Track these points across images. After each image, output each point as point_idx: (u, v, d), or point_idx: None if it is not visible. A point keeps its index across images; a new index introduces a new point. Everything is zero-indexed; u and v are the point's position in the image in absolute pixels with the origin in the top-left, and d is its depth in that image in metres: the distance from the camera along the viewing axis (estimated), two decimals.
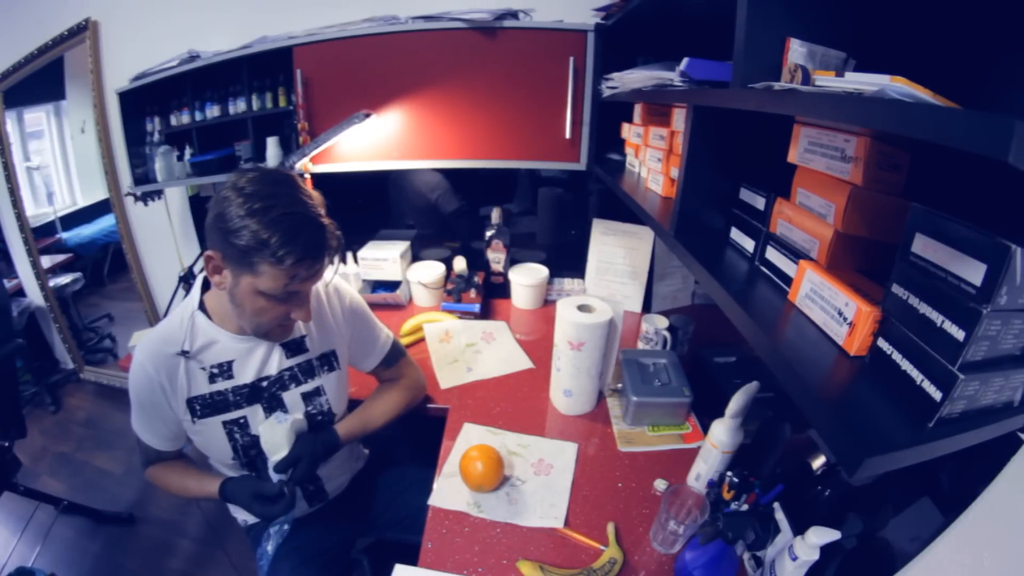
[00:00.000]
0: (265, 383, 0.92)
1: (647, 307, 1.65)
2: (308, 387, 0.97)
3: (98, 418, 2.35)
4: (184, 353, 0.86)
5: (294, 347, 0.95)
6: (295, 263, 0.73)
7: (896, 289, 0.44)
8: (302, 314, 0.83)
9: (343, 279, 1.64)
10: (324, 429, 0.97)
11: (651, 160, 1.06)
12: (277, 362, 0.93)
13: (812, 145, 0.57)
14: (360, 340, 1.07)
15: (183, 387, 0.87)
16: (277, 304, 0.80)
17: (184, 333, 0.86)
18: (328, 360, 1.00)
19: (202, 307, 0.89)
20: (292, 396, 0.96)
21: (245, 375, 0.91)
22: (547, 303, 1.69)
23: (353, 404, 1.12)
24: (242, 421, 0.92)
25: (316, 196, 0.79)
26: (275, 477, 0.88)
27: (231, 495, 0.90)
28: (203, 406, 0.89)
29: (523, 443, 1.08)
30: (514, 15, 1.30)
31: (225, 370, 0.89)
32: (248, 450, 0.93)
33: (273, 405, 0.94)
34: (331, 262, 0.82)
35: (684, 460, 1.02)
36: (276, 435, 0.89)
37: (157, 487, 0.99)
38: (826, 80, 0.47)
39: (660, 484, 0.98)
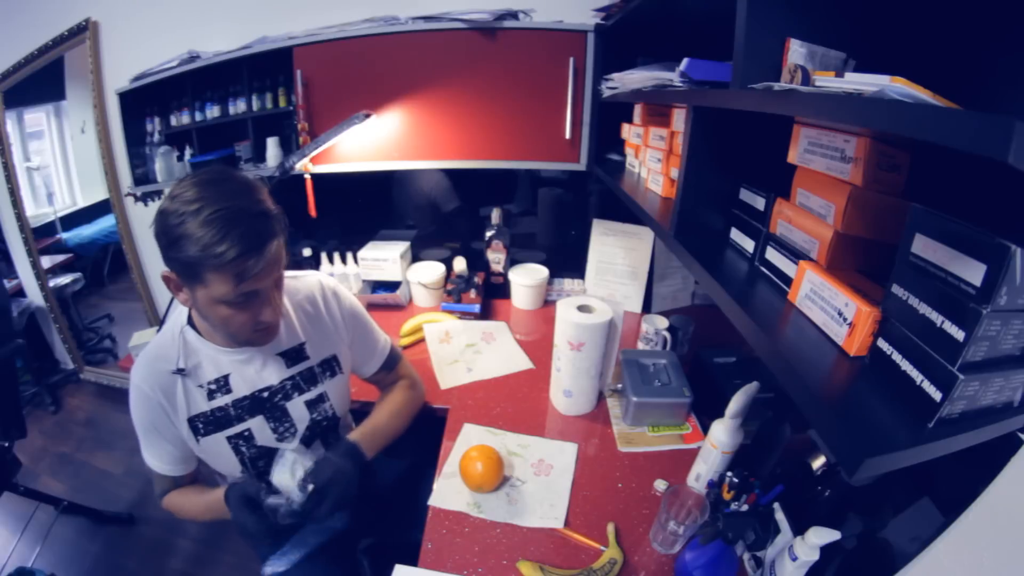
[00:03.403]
0: (266, 394, 0.91)
1: (647, 307, 1.65)
2: (311, 395, 0.96)
3: (98, 418, 2.35)
4: (180, 371, 0.84)
5: (293, 355, 0.94)
6: (236, 260, 0.68)
7: (896, 289, 0.44)
8: (269, 313, 0.78)
9: (342, 280, 1.65)
10: (343, 454, 0.88)
11: (651, 160, 1.06)
12: (277, 372, 0.92)
13: (812, 145, 0.57)
14: (360, 344, 1.05)
15: (183, 407, 0.86)
16: (239, 310, 0.75)
17: (177, 350, 0.85)
18: (330, 365, 0.99)
19: (191, 322, 0.86)
20: (295, 405, 0.94)
21: (244, 387, 0.89)
22: (547, 303, 1.69)
23: (353, 404, 1.12)
24: (246, 434, 0.91)
25: (256, 184, 0.74)
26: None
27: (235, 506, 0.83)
28: (205, 423, 0.88)
29: (523, 443, 1.08)
30: (514, 15, 1.30)
31: (223, 385, 0.88)
32: (256, 462, 0.92)
33: (276, 415, 0.93)
34: (284, 251, 0.76)
35: (684, 460, 1.02)
36: (285, 480, 0.82)
37: (178, 516, 0.94)
38: (826, 80, 0.47)
39: (660, 484, 0.98)
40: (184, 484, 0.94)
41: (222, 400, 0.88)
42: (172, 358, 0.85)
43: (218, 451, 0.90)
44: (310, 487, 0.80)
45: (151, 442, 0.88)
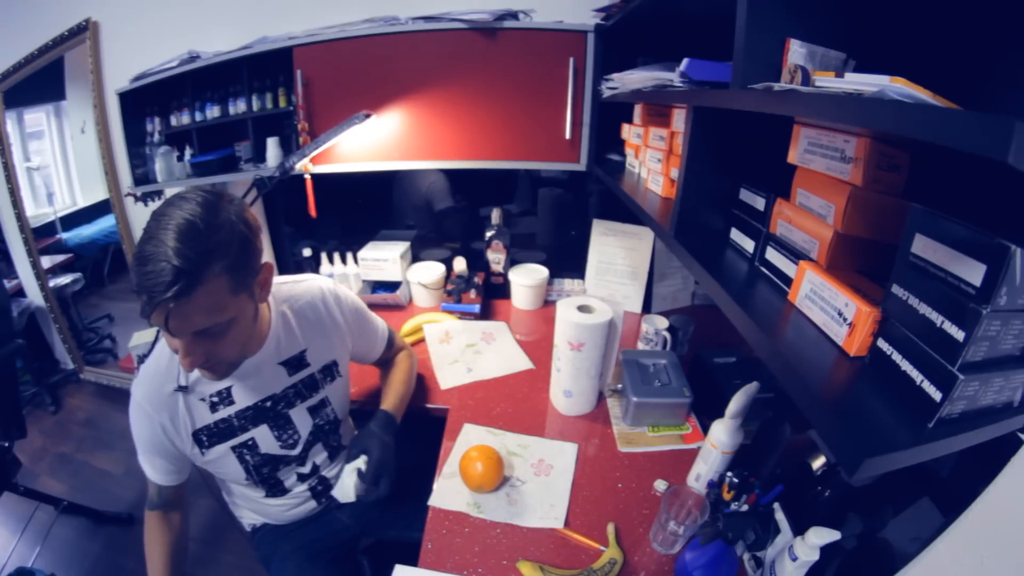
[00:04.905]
0: (269, 403, 0.91)
1: (647, 307, 1.65)
2: (313, 401, 0.97)
3: (98, 418, 2.35)
4: (182, 389, 0.84)
5: (295, 363, 0.94)
6: (145, 300, 0.64)
7: (896, 290, 0.44)
8: (180, 359, 0.72)
9: (342, 280, 1.65)
10: (383, 425, 0.97)
11: (651, 161, 1.06)
12: (279, 381, 0.92)
13: (812, 146, 0.57)
14: (364, 337, 1.08)
15: (186, 422, 0.85)
16: (172, 340, 0.72)
17: (177, 367, 0.84)
18: (330, 371, 1.00)
19: None
20: (298, 412, 0.95)
21: (246, 398, 0.89)
22: (547, 303, 1.69)
23: (353, 404, 1.12)
24: (251, 443, 0.91)
25: (208, 222, 0.67)
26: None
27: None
28: (209, 436, 0.88)
29: (523, 443, 1.08)
30: (514, 16, 1.30)
31: (225, 397, 0.88)
32: (260, 469, 0.93)
33: (280, 423, 0.93)
34: (224, 301, 0.70)
35: (684, 460, 1.02)
36: (347, 487, 0.91)
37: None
38: (826, 81, 0.47)
39: (660, 484, 0.98)
40: (169, 497, 0.92)
41: (225, 412, 0.88)
42: (172, 374, 0.84)
43: (223, 460, 0.91)
44: (362, 464, 0.91)
45: (145, 454, 0.89)
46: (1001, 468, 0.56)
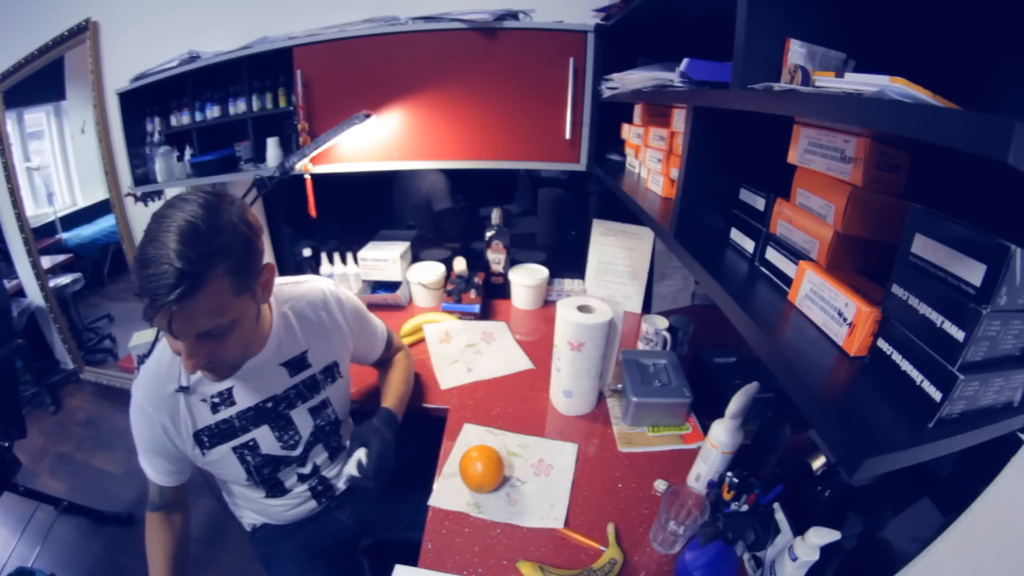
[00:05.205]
0: (270, 404, 0.91)
1: (647, 307, 1.65)
2: (314, 402, 0.97)
3: (98, 418, 2.35)
4: (183, 389, 0.84)
5: (296, 364, 0.94)
6: (147, 303, 0.64)
7: (896, 290, 0.44)
8: (183, 361, 0.72)
9: (342, 280, 1.65)
10: (385, 422, 0.97)
11: (651, 161, 1.06)
12: (280, 382, 0.92)
13: (812, 146, 0.57)
14: (365, 338, 1.08)
15: (187, 423, 0.85)
16: (175, 342, 0.72)
17: (178, 367, 0.83)
18: (331, 372, 1.00)
19: None
20: (299, 413, 0.95)
21: (248, 399, 0.89)
22: (547, 303, 1.69)
23: (353, 405, 1.12)
24: (252, 444, 0.91)
25: (209, 224, 0.66)
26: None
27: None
28: (211, 436, 0.88)
29: (523, 444, 1.08)
30: (514, 16, 1.30)
31: (227, 398, 0.88)
32: (261, 470, 0.93)
33: (281, 424, 0.93)
34: (227, 302, 0.70)
35: (684, 460, 1.02)
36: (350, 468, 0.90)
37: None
38: (826, 81, 0.47)
39: (660, 485, 0.98)
40: (170, 498, 0.92)
41: (226, 412, 0.88)
42: (173, 376, 0.84)
43: (224, 461, 0.91)
44: (362, 455, 0.89)
45: (146, 454, 0.89)
46: (1001, 468, 0.56)
